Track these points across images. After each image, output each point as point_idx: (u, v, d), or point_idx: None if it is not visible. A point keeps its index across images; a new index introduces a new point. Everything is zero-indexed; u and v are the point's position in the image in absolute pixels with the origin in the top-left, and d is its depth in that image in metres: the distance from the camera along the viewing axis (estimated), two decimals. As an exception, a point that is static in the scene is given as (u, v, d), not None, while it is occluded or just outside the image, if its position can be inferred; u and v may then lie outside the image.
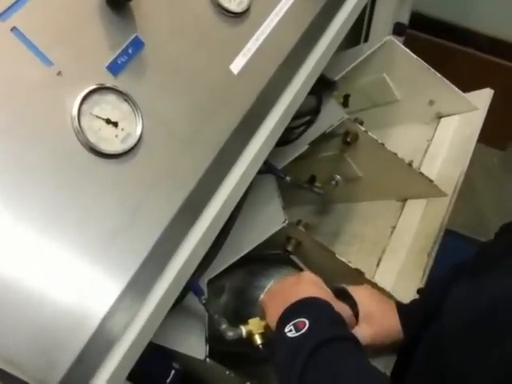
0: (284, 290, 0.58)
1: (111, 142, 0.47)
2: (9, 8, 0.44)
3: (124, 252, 0.45)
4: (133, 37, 0.49)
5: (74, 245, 0.43)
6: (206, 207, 0.53)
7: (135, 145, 0.48)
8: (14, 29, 0.43)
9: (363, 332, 0.61)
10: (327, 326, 0.51)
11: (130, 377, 0.47)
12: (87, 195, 0.45)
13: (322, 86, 0.85)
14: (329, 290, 0.59)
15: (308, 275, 0.60)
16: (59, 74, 0.45)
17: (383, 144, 0.83)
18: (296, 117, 0.85)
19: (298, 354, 0.48)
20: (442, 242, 0.79)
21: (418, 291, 0.69)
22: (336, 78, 0.87)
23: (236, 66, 0.56)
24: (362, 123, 0.84)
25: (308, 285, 0.57)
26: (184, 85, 0.52)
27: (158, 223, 0.48)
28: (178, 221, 0.50)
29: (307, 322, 0.50)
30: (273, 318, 0.55)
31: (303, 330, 0.50)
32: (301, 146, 0.82)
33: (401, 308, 0.65)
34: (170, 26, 0.52)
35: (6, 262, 0.40)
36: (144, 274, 0.47)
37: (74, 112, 0.45)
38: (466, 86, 0.94)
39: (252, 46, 0.58)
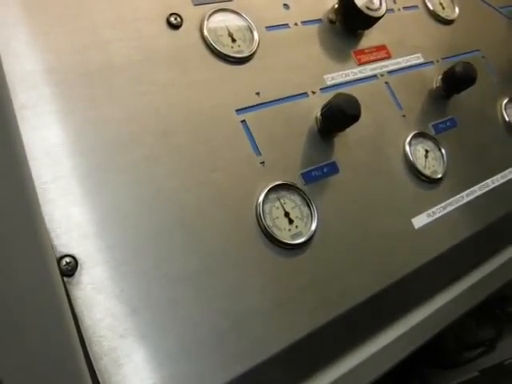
0: None
1: (282, 232, 0.47)
2: (246, 108, 0.52)
3: (251, 339, 0.40)
4: (331, 161, 0.53)
5: (209, 311, 0.40)
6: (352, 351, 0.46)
7: (301, 244, 0.47)
8: (243, 121, 0.51)
9: None
10: None
11: None
12: (245, 269, 0.44)
13: (503, 318, 0.76)
14: None
15: None
16: (262, 163, 0.50)
17: None
18: (468, 346, 0.74)
19: None
20: None
21: None
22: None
23: (418, 222, 0.55)
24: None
25: None
26: (362, 215, 0.52)
27: (294, 330, 0.42)
28: (315, 341, 0.43)
29: None
30: None
31: None
32: (469, 373, 0.69)
33: None
34: (365, 167, 0.55)
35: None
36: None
37: (262, 196, 0.47)
38: None
39: (437, 212, 0.57)
